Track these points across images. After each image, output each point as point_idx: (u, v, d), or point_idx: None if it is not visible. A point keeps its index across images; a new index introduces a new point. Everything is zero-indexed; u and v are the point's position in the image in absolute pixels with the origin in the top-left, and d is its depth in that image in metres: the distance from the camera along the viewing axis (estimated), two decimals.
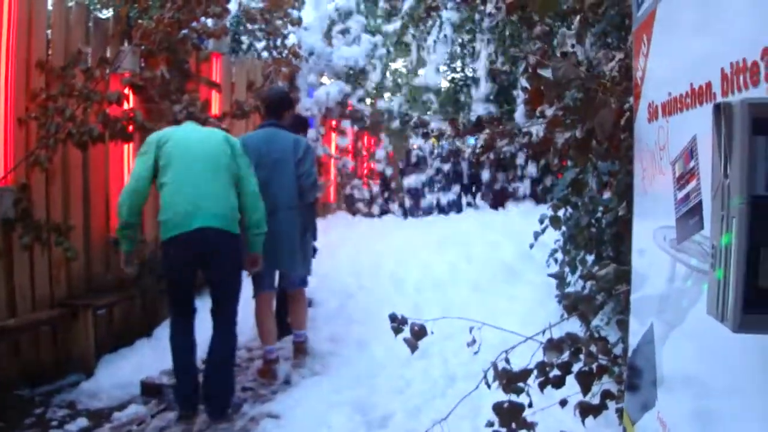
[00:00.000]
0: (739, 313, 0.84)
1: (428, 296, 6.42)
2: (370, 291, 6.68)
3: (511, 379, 2.25)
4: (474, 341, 2.54)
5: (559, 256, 4.95)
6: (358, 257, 7.08)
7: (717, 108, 0.90)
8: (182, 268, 4.13)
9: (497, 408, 2.25)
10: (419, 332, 2.47)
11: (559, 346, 2.29)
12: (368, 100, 9.53)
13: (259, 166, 4.75)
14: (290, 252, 5.01)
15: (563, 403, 2.85)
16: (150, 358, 5.27)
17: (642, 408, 1.55)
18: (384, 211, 9.88)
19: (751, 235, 0.82)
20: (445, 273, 6.89)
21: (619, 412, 2.64)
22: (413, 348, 2.50)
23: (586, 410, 2.61)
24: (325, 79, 8.55)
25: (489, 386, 2.31)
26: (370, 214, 9.29)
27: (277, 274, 5.22)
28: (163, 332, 5.77)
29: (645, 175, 1.68)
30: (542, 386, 2.34)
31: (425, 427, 4.09)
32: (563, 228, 4.81)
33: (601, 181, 3.95)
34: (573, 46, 2.60)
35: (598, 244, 4.41)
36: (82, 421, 4.37)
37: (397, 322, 2.54)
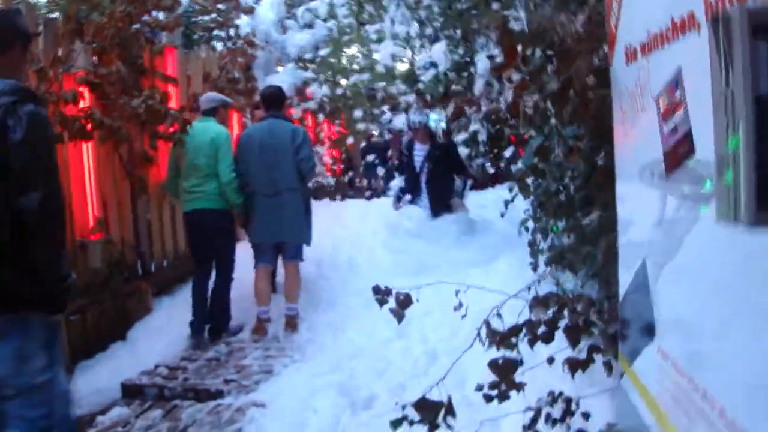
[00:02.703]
0: (753, 209, 0.86)
1: (398, 281, 6.38)
2: (334, 279, 6.66)
3: (502, 337, 2.26)
4: (461, 305, 2.56)
5: (530, 224, 4.98)
6: (320, 243, 7.03)
7: (715, 21, 0.91)
8: (191, 234, 5.77)
9: (493, 365, 2.26)
10: (405, 301, 2.47)
11: (545, 303, 2.31)
12: (324, 87, 9.47)
13: (262, 154, 5.63)
14: (296, 227, 5.78)
15: (550, 360, 2.88)
16: (127, 360, 5.18)
17: (639, 347, 1.57)
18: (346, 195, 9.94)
19: (759, 133, 0.84)
20: (413, 257, 6.85)
21: (606, 365, 2.67)
22: (400, 318, 2.50)
23: (574, 365, 2.64)
24: (280, 68, 8.47)
25: (483, 344, 2.32)
26: (333, 198, 9.36)
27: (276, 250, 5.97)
28: (137, 334, 5.69)
29: (625, 119, 1.70)
30: (532, 343, 2.36)
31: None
32: (532, 197, 4.83)
33: (567, 146, 3.98)
34: (536, 6, 2.62)
35: (569, 210, 4.44)
36: None
37: (381, 294, 2.54)
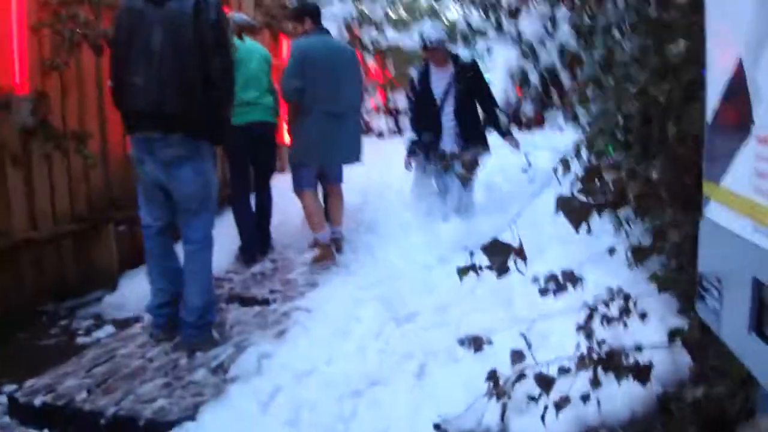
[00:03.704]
0: None
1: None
2: (378, 206, 6.58)
3: (587, 174, 2.16)
4: (530, 165, 2.49)
5: (583, 152, 4.83)
6: (368, 175, 6.96)
7: None
8: (244, 148, 5.42)
9: (563, 203, 2.12)
10: (471, 163, 2.40)
11: (616, 168, 2.23)
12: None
13: (330, 69, 5.18)
14: (357, 147, 5.63)
15: (611, 251, 2.81)
16: None
17: (730, 156, 1.49)
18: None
19: None
20: None
21: (673, 248, 2.55)
22: (465, 181, 2.44)
23: (638, 252, 2.56)
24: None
25: (560, 183, 2.22)
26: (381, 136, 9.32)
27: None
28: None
29: None
30: (599, 210, 2.26)
31: (454, 322, 4.05)
32: (587, 122, 4.67)
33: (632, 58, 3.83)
34: None
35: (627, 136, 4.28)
36: (109, 328, 4.41)
37: (446, 159, 2.49)
